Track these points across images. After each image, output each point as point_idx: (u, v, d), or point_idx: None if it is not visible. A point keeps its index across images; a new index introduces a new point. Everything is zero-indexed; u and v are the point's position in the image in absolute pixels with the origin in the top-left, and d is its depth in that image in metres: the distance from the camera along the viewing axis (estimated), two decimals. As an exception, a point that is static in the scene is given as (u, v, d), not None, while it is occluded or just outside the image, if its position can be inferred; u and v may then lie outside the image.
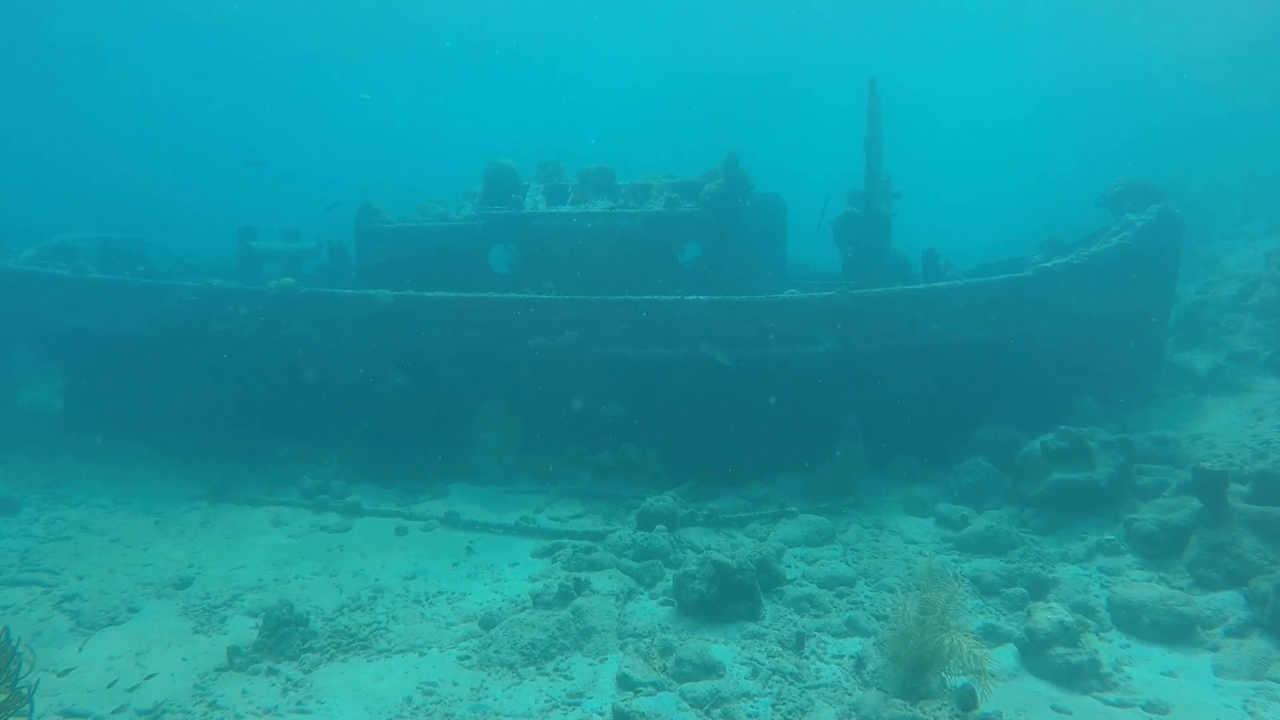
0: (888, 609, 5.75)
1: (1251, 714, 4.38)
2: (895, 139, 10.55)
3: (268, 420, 9.49)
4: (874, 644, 5.18)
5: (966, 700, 4.29)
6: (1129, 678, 4.81)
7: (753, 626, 5.55)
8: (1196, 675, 4.83)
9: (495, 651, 5.30)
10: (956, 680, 4.44)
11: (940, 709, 4.21)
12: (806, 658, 5.19)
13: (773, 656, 5.16)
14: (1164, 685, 4.75)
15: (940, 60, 48.14)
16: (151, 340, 9.55)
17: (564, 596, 5.88)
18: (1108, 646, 5.16)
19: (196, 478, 8.95)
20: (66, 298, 10.00)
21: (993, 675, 4.33)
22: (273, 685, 4.99)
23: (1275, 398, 8.64)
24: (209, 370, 9.55)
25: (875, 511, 7.79)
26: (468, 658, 5.29)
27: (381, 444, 9.04)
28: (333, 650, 5.42)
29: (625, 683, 4.86)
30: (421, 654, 5.38)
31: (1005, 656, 5.06)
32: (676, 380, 8.36)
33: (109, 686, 4.97)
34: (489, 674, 5.09)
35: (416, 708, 4.70)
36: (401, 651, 5.42)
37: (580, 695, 4.81)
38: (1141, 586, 5.60)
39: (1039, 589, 5.84)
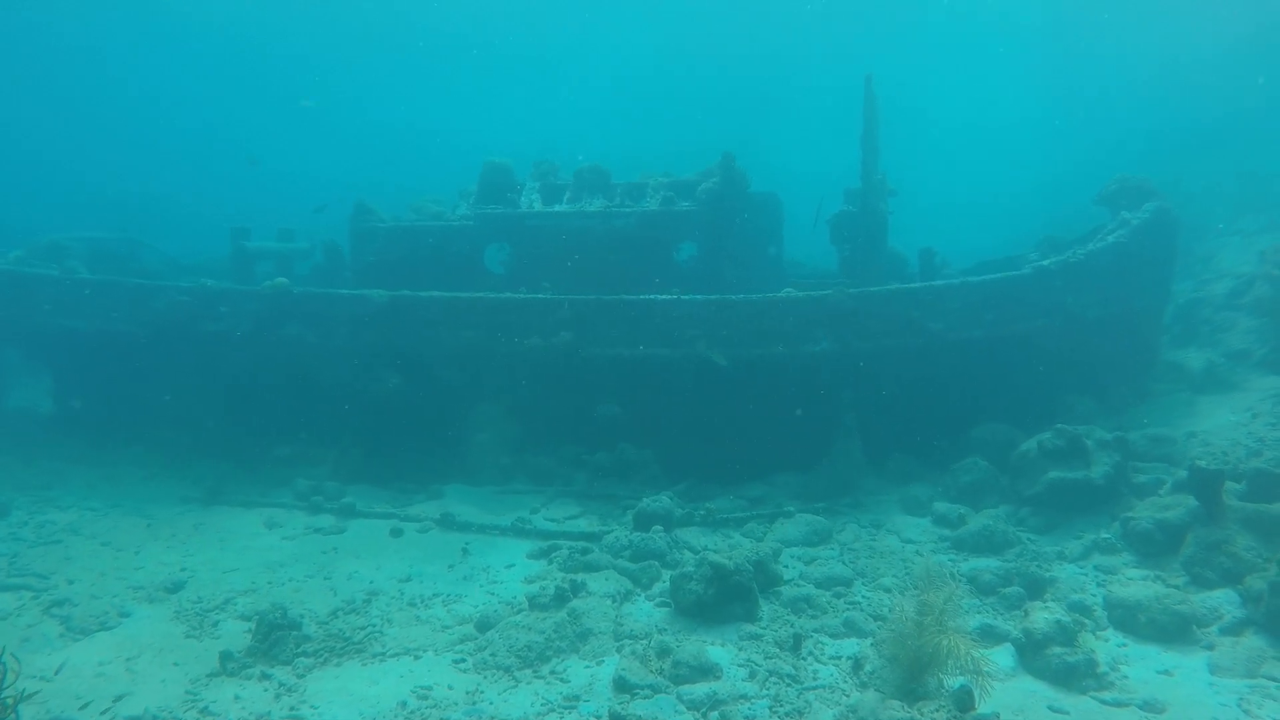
0: (885, 609, 5.74)
1: (1246, 712, 4.39)
2: (892, 137, 10.55)
3: (261, 421, 9.43)
4: (871, 645, 5.16)
5: (964, 701, 4.28)
6: (1125, 677, 4.81)
7: (750, 628, 5.53)
8: (1192, 674, 4.83)
9: (491, 654, 5.26)
10: (954, 681, 4.43)
11: (938, 710, 4.19)
12: (804, 659, 5.17)
13: (770, 658, 5.14)
14: (1160, 684, 4.75)
15: (937, 58, 48.20)
16: (143, 341, 9.47)
17: (560, 598, 5.85)
18: (1104, 645, 5.16)
19: (189, 480, 8.88)
20: (57, 298, 9.91)
21: (990, 676, 4.32)
22: (265, 690, 4.95)
23: (1269, 396, 8.66)
24: (202, 371, 9.48)
25: (872, 511, 7.79)
26: (463, 661, 5.26)
27: (377, 445, 8.99)
28: (326, 654, 5.38)
29: (622, 685, 4.83)
30: (416, 657, 5.34)
31: (1002, 656, 5.05)
32: (673, 380, 8.33)
33: (98, 693, 4.91)
34: (484, 677, 5.05)
35: (411, 712, 4.66)
36: (396, 655, 5.38)
37: (577, 698, 4.78)
38: (1138, 585, 5.60)
39: (1036, 588, 5.84)
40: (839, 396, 8.38)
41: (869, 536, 7.26)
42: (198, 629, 5.79)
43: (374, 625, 5.77)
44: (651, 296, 8.51)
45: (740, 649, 5.29)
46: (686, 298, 8.43)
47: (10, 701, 3.76)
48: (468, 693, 4.87)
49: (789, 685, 4.86)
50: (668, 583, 6.05)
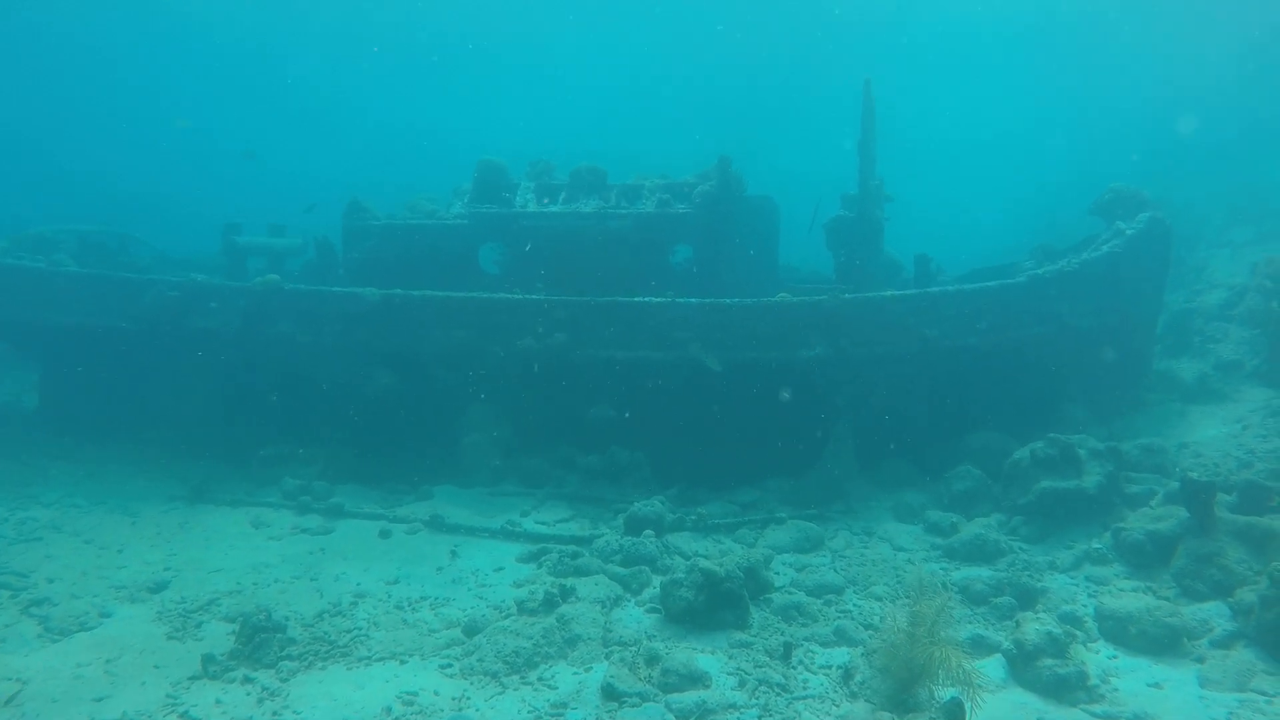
0: (876, 618, 5.72)
1: (1237, 727, 4.38)
2: (888, 143, 10.55)
3: (250, 419, 9.34)
4: (862, 654, 5.13)
5: (954, 713, 4.25)
6: (1116, 689, 4.79)
7: (740, 635, 5.49)
8: (1182, 686, 4.82)
9: (478, 660, 5.21)
10: (945, 692, 4.40)
11: (929, 722, 4.17)
12: (794, 668, 5.13)
13: (760, 666, 5.10)
14: (1150, 697, 4.73)
15: (934, 66, 48.41)
16: (131, 336, 9.36)
17: (549, 603, 5.80)
18: (1095, 657, 5.14)
19: (176, 477, 8.78)
20: (43, 292, 9.77)
21: (981, 687, 4.30)
22: (248, 694, 4.87)
23: (1260, 407, 8.69)
24: (190, 368, 9.37)
25: (864, 517, 7.76)
26: (450, 666, 5.20)
27: (366, 445, 8.91)
28: (311, 658, 5.30)
29: (610, 693, 4.78)
30: (403, 662, 5.28)
31: (993, 667, 5.03)
32: (666, 383, 8.29)
33: (76, 696, 4.82)
34: (471, 683, 5.00)
35: (396, 718, 4.60)
36: (382, 659, 5.31)
37: (564, 705, 4.73)
38: (1128, 597, 5.59)
39: (1027, 598, 5.82)
40: (832, 402, 8.36)
41: (861, 544, 7.23)
42: (180, 630, 5.70)
43: (360, 628, 5.70)
44: (646, 299, 8.47)
45: (730, 657, 5.24)
46: (681, 301, 8.40)
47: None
48: (454, 699, 4.81)
49: (778, 694, 4.82)
50: (658, 588, 6.00)
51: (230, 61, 49.28)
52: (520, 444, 8.87)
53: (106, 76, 48.48)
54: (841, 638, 5.48)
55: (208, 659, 5.16)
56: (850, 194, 10.60)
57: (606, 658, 5.24)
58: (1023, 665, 4.85)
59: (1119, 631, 5.27)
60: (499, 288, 9.69)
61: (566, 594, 5.93)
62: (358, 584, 6.47)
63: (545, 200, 10.51)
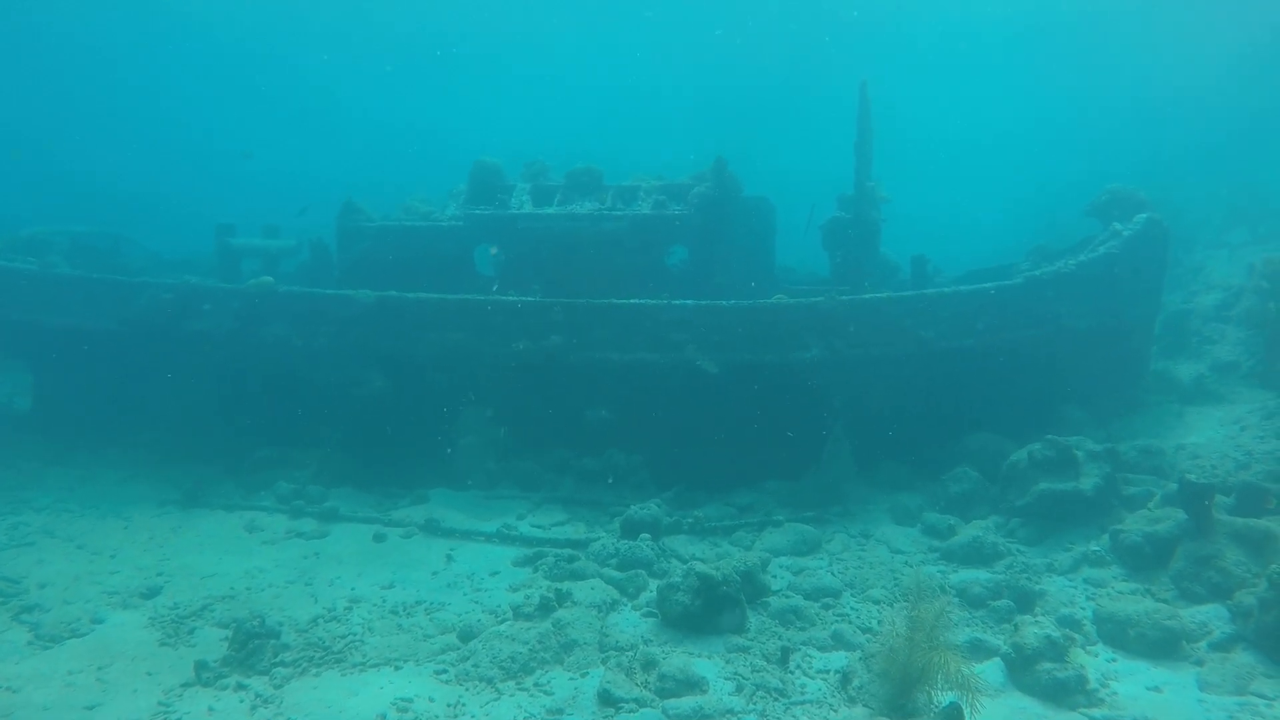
0: (874, 622, 5.69)
1: (1237, 730, 4.36)
2: (885, 144, 10.51)
3: (244, 422, 9.28)
4: (860, 658, 5.10)
5: (953, 718, 4.22)
6: (1115, 693, 4.77)
7: (737, 639, 5.45)
8: (1181, 690, 4.80)
9: (474, 665, 5.17)
10: (944, 697, 4.37)
11: (927, 728, 4.14)
12: (791, 672, 5.10)
13: (757, 671, 5.07)
14: (1149, 700, 4.71)
15: (930, 67, 48.45)
16: (124, 339, 9.30)
17: (545, 608, 5.76)
18: (1094, 660, 5.12)
19: (169, 481, 8.72)
20: (35, 294, 9.71)
21: (980, 692, 4.27)
22: (241, 701, 4.84)
23: (1257, 408, 8.68)
24: (184, 370, 9.32)
25: (862, 520, 7.73)
26: (445, 672, 5.16)
27: (361, 448, 8.86)
28: (305, 664, 5.26)
29: (606, 698, 4.75)
30: (397, 668, 5.24)
31: (992, 671, 5.00)
32: (663, 385, 8.25)
33: (67, 704, 4.77)
34: (466, 689, 4.96)
35: (390, 726, 4.56)
36: (377, 665, 5.27)
37: (560, 711, 4.70)
38: (1127, 599, 5.57)
39: (1025, 601, 5.80)
40: (829, 404, 8.33)
41: (858, 546, 7.20)
42: (173, 636, 5.66)
43: (355, 634, 5.66)
44: (642, 301, 8.43)
45: (727, 661, 5.21)
46: (677, 302, 8.36)
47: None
48: (449, 705, 4.78)
49: (776, 699, 4.79)
50: (654, 592, 5.97)
51: (226, 61, 49.12)
52: (516, 447, 8.83)
53: (101, 76, 48.28)
54: (839, 642, 5.45)
55: (201, 666, 5.12)
56: (847, 195, 10.58)
57: (603, 663, 5.20)
58: (1021, 669, 4.83)
59: (1118, 634, 5.25)
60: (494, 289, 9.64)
61: (562, 598, 5.89)
62: (352, 589, 6.42)
63: (541, 202, 10.48)
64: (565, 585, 6.16)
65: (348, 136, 49.93)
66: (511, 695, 4.88)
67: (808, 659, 5.26)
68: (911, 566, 6.68)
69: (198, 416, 9.44)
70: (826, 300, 8.31)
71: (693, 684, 4.86)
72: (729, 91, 46.72)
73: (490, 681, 5.02)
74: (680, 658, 5.17)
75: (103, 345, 9.45)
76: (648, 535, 6.98)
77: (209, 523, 7.85)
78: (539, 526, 7.71)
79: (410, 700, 4.82)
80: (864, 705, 4.66)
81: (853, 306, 8.30)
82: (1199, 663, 4.98)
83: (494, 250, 10.24)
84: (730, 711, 4.64)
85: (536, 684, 5.00)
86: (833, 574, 6.56)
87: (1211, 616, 5.29)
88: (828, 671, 5.10)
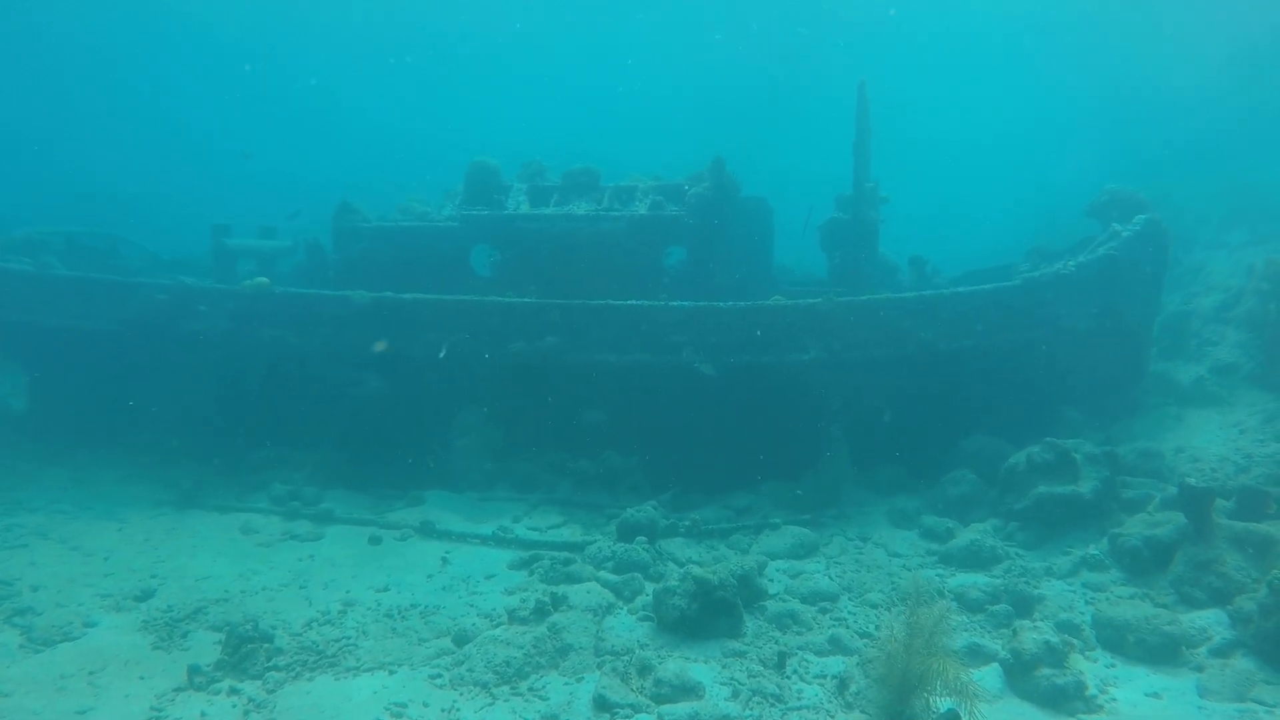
0: (872, 626, 5.66)
1: (1237, 738, 4.32)
2: (884, 144, 10.47)
3: (240, 423, 9.24)
4: (857, 664, 5.07)
5: (951, 725, 4.18)
6: (1114, 699, 4.73)
7: (734, 644, 5.42)
8: (1181, 696, 4.76)
9: (468, 670, 5.13)
10: (942, 703, 4.33)
11: (924, 735, 4.10)
12: (788, 677, 5.06)
13: (754, 676, 5.03)
14: (1149, 707, 4.68)
15: (929, 67, 48.42)
16: (120, 340, 9.26)
17: (540, 612, 5.72)
18: (1093, 666, 5.09)
19: (164, 482, 8.69)
20: (30, 294, 9.67)
21: (978, 698, 4.23)
22: (234, 706, 4.80)
23: (1257, 411, 8.65)
24: (180, 371, 9.28)
25: (859, 523, 7.70)
26: (439, 676, 5.12)
27: (357, 449, 8.81)
28: (299, 668, 5.23)
29: (602, 704, 4.71)
30: (391, 672, 5.20)
31: (989, 677, 4.97)
32: (659, 387, 8.21)
33: (58, 709, 4.73)
34: (461, 694, 4.93)
35: (383, 731, 4.53)
36: (371, 670, 5.23)
37: (555, 717, 4.67)
38: (1126, 604, 5.53)
39: (1024, 606, 5.76)
40: (827, 406, 8.29)
41: (856, 550, 7.16)
42: (166, 640, 5.62)
43: (349, 637, 5.62)
44: (639, 302, 8.39)
45: (724, 666, 5.17)
46: (674, 304, 8.32)
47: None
48: (443, 710, 4.74)
49: (772, 705, 4.75)
50: (651, 596, 5.93)
51: (224, 61, 49.04)
52: (512, 448, 8.79)
53: (99, 76, 48.19)
54: (837, 646, 5.41)
55: (193, 670, 5.08)
56: (845, 195, 10.54)
57: (598, 668, 5.17)
58: (1020, 675, 4.79)
59: (1117, 640, 5.21)
60: (491, 291, 9.61)
61: (558, 602, 5.85)
62: (347, 592, 6.38)
63: (538, 202, 10.44)
64: (561, 589, 6.12)
65: (345, 137, 49.85)
66: (506, 700, 4.85)
67: (805, 664, 5.22)
68: (910, 570, 6.65)
69: (193, 417, 9.40)
70: (824, 301, 8.27)
71: (689, 689, 4.82)
72: (727, 91, 46.64)
73: (485, 686, 4.98)
74: (676, 663, 5.13)
75: (98, 346, 9.41)
76: (644, 538, 6.94)
77: (204, 524, 7.81)
78: (535, 529, 7.67)
79: (404, 705, 4.78)
80: (861, 711, 4.63)
81: (851, 308, 8.26)
82: (1199, 669, 4.95)
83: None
84: (726, 717, 4.60)
85: (531, 689, 4.96)
86: (830, 578, 6.52)
87: (1211, 622, 5.25)
88: (825, 677, 5.06)
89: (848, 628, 5.65)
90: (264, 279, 9.22)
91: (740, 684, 4.94)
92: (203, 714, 4.71)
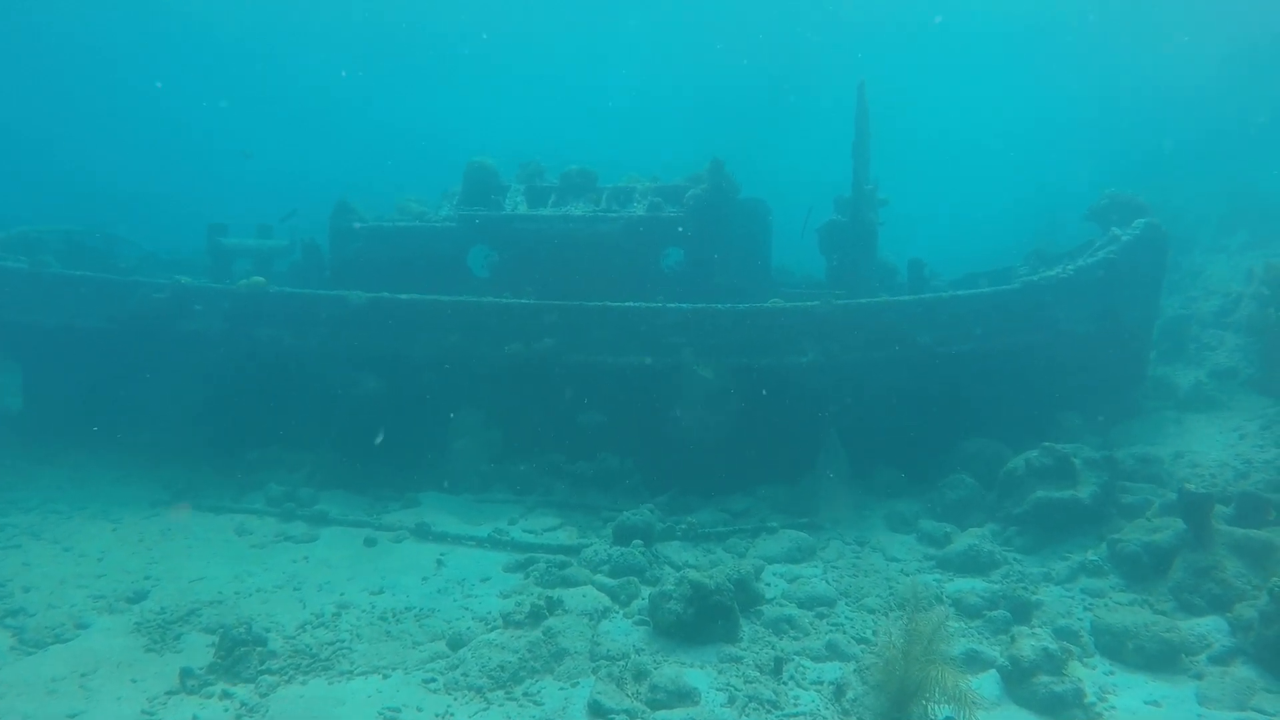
0: (869, 632, 5.62)
1: (1236, 746, 4.29)
2: (883, 146, 10.44)
3: (235, 423, 9.19)
4: (854, 670, 5.03)
5: (949, 733, 4.15)
6: (1113, 707, 4.70)
7: (730, 649, 5.38)
8: (1180, 704, 4.73)
9: (463, 674, 5.10)
10: (940, 710, 4.30)
11: (922, 743, 4.07)
12: (784, 683, 5.03)
13: (750, 682, 5.00)
14: (1148, 715, 4.65)
15: (929, 69, 48.42)
16: (116, 339, 9.21)
17: (535, 616, 5.68)
18: (1091, 673, 5.05)
19: (160, 482, 8.65)
20: (26, 293, 9.62)
21: (976, 705, 4.20)
22: (226, 710, 4.76)
23: (1256, 416, 8.62)
24: (175, 371, 9.23)
25: (857, 527, 7.66)
26: (433, 680, 5.09)
27: (353, 450, 8.76)
28: (292, 671, 5.19)
29: (597, 710, 4.68)
30: (385, 676, 5.17)
31: (987, 684, 4.93)
32: (657, 389, 8.18)
33: (49, 712, 4.69)
34: (455, 698, 4.89)
35: (377, 737, 4.49)
36: (365, 673, 5.20)
37: (549, 724, 4.63)
38: (1125, 611, 5.50)
39: (1022, 612, 5.73)
40: (825, 409, 8.26)
41: (853, 554, 7.13)
42: (159, 642, 5.59)
43: (343, 641, 5.59)
44: (636, 304, 8.36)
45: (720, 672, 5.14)
46: (672, 306, 8.29)
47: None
48: (437, 715, 4.71)
49: (769, 712, 4.72)
50: (647, 600, 5.90)
51: (221, 60, 48.96)
52: (509, 450, 8.75)
53: (95, 75, 48.09)
54: (833, 652, 5.37)
55: (186, 673, 5.05)
56: (844, 197, 10.51)
57: (594, 673, 5.13)
58: (1018, 682, 4.76)
59: (1116, 647, 5.18)
60: (488, 292, 9.57)
61: (554, 606, 5.81)
62: (341, 594, 6.35)
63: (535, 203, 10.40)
64: (557, 592, 6.09)
65: (343, 136, 49.79)
66: (500, 705, 4.81)
67: (801, 670, 5.19)
68: (907, 575, 6.61)
69: (189, 417, 9.35)
70: (823, 304, 8.24)
71: (684, 695, 4.79)
72: (726, 92, 46.62)
73: (479, 691, 4.95)
74: (672, 668, 5.10)
75: (94, 345, 9.36)
76: (640, 541, 6.90)
77: (199, 525, 7.76)
78: (531, 531, 7.63)
79: (398, 710, 4.75)
80: (858, 718, 4.59)
81: (849, 311, 8.23)
82: (1198, 676, 4.91)
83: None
84: (722, 724, 4.57)
85: (526, 694, 4.93)
86: (827, 582, 6.49)
87: (1211, 629, 5.22)
88: (821, 683, 5.03)
89: (845, 633, 5.62)
90: (260, 278, 9.18)
91: (736, 690, 4.91)
92: (194, 717, 4.67)
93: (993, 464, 7.80)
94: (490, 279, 10.83)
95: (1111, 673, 5.07)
